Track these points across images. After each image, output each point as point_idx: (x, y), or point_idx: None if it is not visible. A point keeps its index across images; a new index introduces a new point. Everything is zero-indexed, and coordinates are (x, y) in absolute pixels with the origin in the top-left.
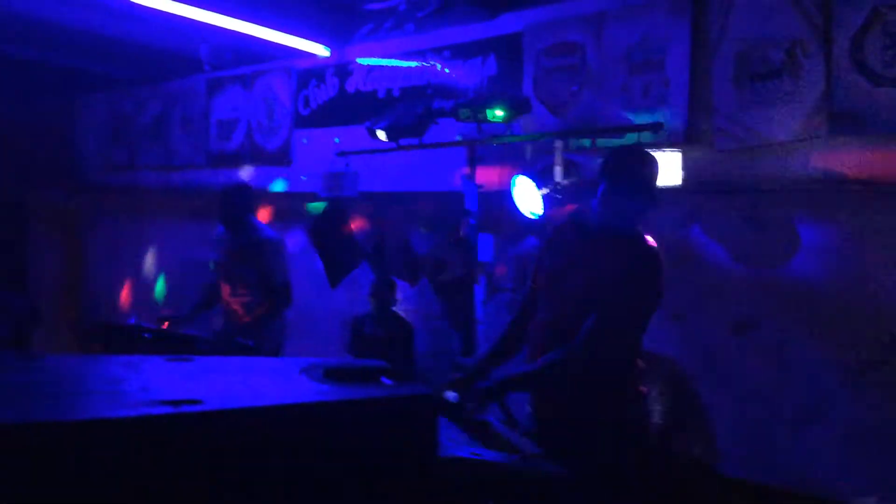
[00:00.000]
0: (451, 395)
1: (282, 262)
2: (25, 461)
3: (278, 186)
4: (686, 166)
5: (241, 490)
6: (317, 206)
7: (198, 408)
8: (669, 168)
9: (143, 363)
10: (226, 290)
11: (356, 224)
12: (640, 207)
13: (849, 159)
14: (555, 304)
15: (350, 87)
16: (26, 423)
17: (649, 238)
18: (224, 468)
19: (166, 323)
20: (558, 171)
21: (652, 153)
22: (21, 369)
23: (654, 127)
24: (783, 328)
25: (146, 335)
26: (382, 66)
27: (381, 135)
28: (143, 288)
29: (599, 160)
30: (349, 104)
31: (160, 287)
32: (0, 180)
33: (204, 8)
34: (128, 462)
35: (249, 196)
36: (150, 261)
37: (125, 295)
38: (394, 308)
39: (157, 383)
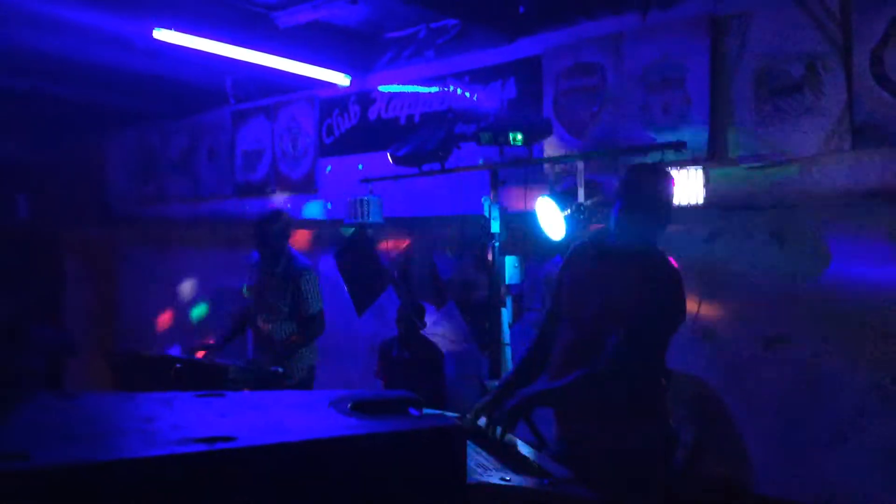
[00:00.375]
0: (479, 420)
1: (316, 291)
2: (62, 503)
3: (304, 214)
4: (709, 183)
5: None
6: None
7: (231, 444)
8: (693, 186)
9: (175, 400)
10: (259, 317)
11: (381, 250)
12: (657, 224)
13: (873, 172)
14: (576, 324)
15: (372, 115)
16: (62, 464)
17: (668, 257)
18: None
19: (200, 353)
20: (580, 192)
21: (668, 169)
22: (57, 409)
23: (677, 145)
24: (814, 344)
25: (178, 365)
26: (403, 92)
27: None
28: (174, 317)
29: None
30: (371, 131)
31: (199, 312)
32: (36, 216)
33: (228, 42)
34: (163, 501)
35: (286, 223)
36: (180, 290)
37: (157, 324)
38: (422, 332)
39: (190, 420)
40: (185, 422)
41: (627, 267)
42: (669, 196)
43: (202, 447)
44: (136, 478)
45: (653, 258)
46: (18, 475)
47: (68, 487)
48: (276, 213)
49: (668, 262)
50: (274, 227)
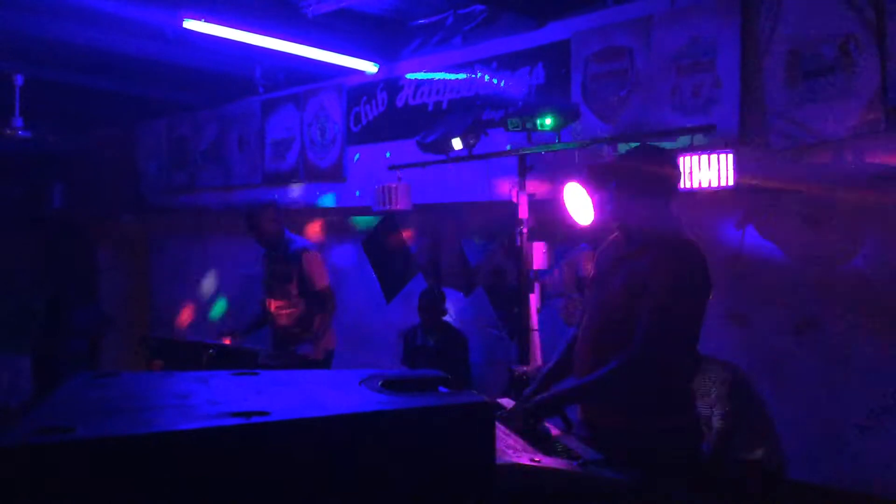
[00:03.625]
0: (506, 402)
1: (319, 269)
2: (104, 474)
3: (333, 202)
4: (741, 167)
5: (308, 498)
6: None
7: (266, 419)
8: (723, 169)
9: (211, 378)
10: (272, 303)
11: (409, 237)
12: (651, 203)
13: None
14: (596, 310)
15: (399, 102)
16: (105, 437)
17: (686, 234)
18: (291, 477)
19: (227, 339)
20: None
21: (663, 148)
22: (98, 386)
23: (707, 129)
24: (847, 327)
25: (211, 350)
26: (431, 79)
27: (457, 143)
28: (205, 304)
29: None
30: (399, 119)
31: (219, 308)
32: (70, 206)
33: (255, 31)
34: (201, 473)
35: (274, 211)
36: (211, 277)
37: (189, 311)
38: (446, 318)
39: (226, 396)
40: (220, 398)
41: (643, 250)
42: (660, 173)
43: (239, 421)
44: (174, 450)
45: (669, 239)
46: (64, 447)
47: (110, 459)
48: (263, 204)
49: (688, 243)
50: (262, 217)
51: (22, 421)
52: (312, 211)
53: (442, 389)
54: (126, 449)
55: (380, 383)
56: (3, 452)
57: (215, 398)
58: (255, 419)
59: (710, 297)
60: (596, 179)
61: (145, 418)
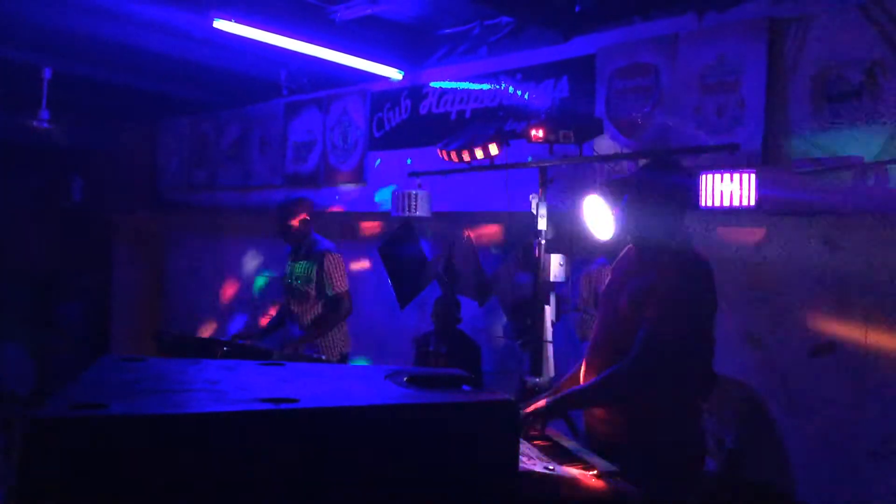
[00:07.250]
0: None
1: (339, 272)
2: (136, 451)
3: (352, 207)
4: (762, 188)
5: (334, 485)
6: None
7: (296, 405)
8: (745, 189)
9: (238, 367)
10: (291, 303)
11: (426, 244)
12: (663, 216)
13: None
14: (605, 322)
15: (423, 110)
16: (139, 415)
17: (697, 250)
18: (317, 464)
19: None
20: None
21: (681, 163)
22: (126, 369)
23: (730, 148)
24: (863, 352)
25: (224, 348)
26: (455, 88)
27: (493, 149)
28: (221, 302)
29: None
30: (422, 126)
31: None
32: (87, 200)
33: (283, 34)
34: (230, 455)
35: (305, 209)
36: (228, 277)
37: (205, 309)
38: (460, 326)
39: (254, 383)
40: (249, 384)
41: (652, 262)
42: (671, 188)
43: (268, 406)
44: (206, 431)
45: (677, 252)
46: (100, 422)
47: (143, 436)
48: (295, 200)
49: (692, 255)
50: (292, 213)
51: (54, 398)
52: (331, 214)
53: (465, 388)
54: (159, 428)
55: (405, 378)
56: (39, 424)
57: (244, 385)
58: (284, 405)
59: (715, 313)
60: (612, 193)
61: (176, 400)
